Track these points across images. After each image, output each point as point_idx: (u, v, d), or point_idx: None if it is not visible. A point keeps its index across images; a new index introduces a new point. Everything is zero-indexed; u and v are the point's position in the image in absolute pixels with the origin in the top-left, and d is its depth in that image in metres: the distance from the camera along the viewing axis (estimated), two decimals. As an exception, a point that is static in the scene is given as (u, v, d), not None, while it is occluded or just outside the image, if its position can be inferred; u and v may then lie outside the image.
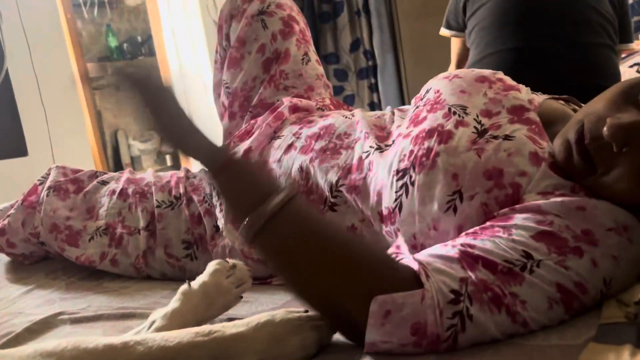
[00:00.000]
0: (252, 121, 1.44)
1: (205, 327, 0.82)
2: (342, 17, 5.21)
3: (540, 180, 0.91)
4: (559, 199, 0.87)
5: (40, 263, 1.56)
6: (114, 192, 1.47)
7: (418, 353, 0.76)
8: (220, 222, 1.25)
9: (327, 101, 1.55)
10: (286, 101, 1.42)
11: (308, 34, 1.66)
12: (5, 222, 1.51)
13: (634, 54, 4.02)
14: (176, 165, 4.27)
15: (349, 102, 5.24)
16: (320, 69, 1.64)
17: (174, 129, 0.94)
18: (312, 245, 0.83)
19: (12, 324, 0.78)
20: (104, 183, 1.52)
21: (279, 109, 1.39)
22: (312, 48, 1.64)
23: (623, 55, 2.56)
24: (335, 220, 1.11)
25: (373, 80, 5.30)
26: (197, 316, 0.98)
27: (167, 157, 4.35)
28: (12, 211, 1.51)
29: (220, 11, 1.68)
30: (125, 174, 1.54)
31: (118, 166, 4.02)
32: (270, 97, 1.52)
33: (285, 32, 1.56)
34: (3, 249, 1.54)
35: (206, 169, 0.92)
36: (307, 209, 0.88)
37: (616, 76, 2.10)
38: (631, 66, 3.91)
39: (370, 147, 1.10)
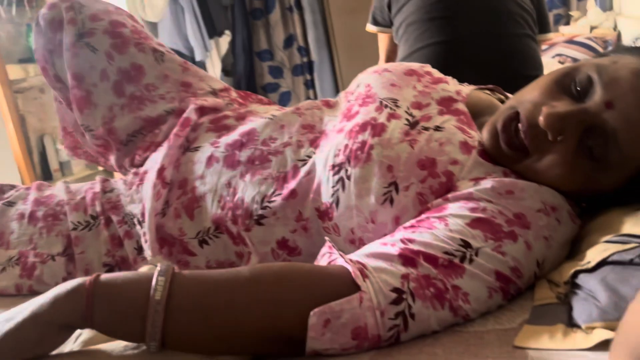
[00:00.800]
0: (156, 131, 1.29)
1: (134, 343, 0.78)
2: (274, 14, 5.18)
3: (472, 167, 0.93)
4: (489, 184, 0.88)
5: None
6: (22, 215, 1.28)
7: (359, 352, 0.75)
8: (147, 255, 1.15)
9: (234, 94, 1.40)
10: (191, 104, 1.29)
11: (140, 27, 1.41)
12: None
13: (554, 45, 4.21)
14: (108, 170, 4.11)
15: (285, 99, 5.22)
16: (177, 57, 1.39)
17: None
18: (223, 296, 0.74)
19: None
20: (11, 204, 1.32)
21: (184, 115, 1.25)
22: (154, 40, 1.40)
23: (543, 47, 2.66)
24: (264, 235, 1.04)
25: (309, 77, 5.31)
26: None
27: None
28: None
29: (34, 51, 1.39)
30: (32, 193, 1.35)
31: (46, 172, 3.82)
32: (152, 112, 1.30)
33: (118, 45, 1.30)
34: None
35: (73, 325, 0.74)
36: (191, 274, 0.76)
37: (539, 65, 2.19)
38: (553, 57, 4.09)
39: (307, 156, 1.05)
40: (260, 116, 1.20)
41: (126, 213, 1.19)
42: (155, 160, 1.20)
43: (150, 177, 1.15)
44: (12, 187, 1.39)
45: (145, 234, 1.12)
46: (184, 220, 1.11)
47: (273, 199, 1.03)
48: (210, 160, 1.13)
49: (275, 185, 1.04)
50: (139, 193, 1.18)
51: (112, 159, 1.39)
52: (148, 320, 0.70)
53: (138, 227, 1.15)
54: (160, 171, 1.15)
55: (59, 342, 0.73)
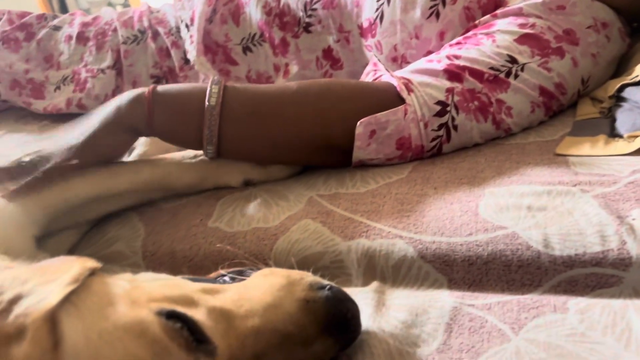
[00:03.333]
0: None
1: (191, 152, 0.83)
2: None
3: None
4: None
5: (7, 111, 1.51)
6: (70, 37, 1.37)
7: (402, 162, 0.79)
8: (191, 55, 1.21)
9: None
10: None
11: None
12: None
13: None
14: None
15: None
16: None
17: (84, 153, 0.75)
18: (272, 105, 0.77)
19: None
20: (57, 28, 1.40)
21: None
22: None
23: None
24: (311, 42, 1.08)
25: None
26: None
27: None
28: None
29: None
30: (78, 17, 1.43)
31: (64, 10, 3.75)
32: None
33: None
34: None
35: (137, 129, 0.76)
36: (241, 85, 0.79)
37: None
38: None
39: None
40: None
41: (172, 26, 1.24)
42: None
43: None
44: (55, 16, 1.45)
45: (193, 36, 1.16)
46: (230, 26, 1.14)
47: (314, 6, 1.05)
48: None
49: None
50: (191, 1, 1.21)
51: None
52: (205, 125, 0.74)
53: (185, 31, 1.20)
54: None
55: (127, 145, 0.78)
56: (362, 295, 0.58)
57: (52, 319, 0.38)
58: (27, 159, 0.73)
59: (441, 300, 0.57)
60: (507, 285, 0.58)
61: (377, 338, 0.53)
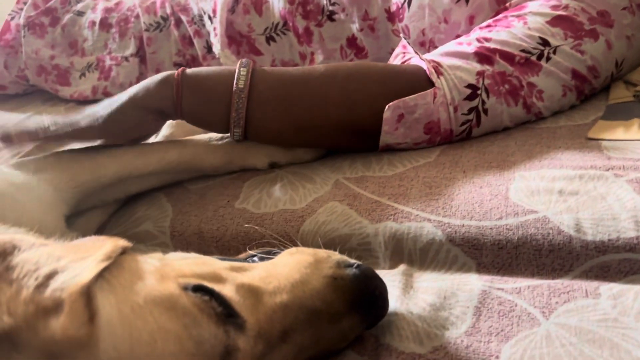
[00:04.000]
0: None
1: (218, 134, 0.83)
2: None
3: None
4: None
5: (33, 93, 1.54)
6: (94, 23, 1.38)
7: (430, 147, 0.78)
8: (216, 49, 1.21)
9: None
10: None
11: None
12: None
13: None
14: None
15: None
16: None
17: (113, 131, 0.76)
18: (299, 88, 0.76)
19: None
20: (81, 14, 1.42)
21: None
22: None
23: None
24: (335, 31, 1.06)
25: None
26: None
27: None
28: None
29: None
30: (101, 3, 1.43)
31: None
32: None
33: None
34: None
35: (165, 112, 0.76)
36: (270, 69, 0.79)
37: None
38: None
39: None
40: None
41: (195, 14, 1.23)
42: None
43: None
44: (78, 0, 1.46)
45: (216, 29, 1.16)
46: (252, 16, 1.14)
47: None
48: None
49: None
50: None
51: None
52: (232, 107, 0.74)
53: (208, 23, 1.19)
54: None
55: (154, 127, 0.78)
56: (389, 278, 0.58)
57: (88, 294, 0.39)
58: (54, 127, 0.74)
59: (470, 284, 0.56)
60: (537, 269, 0.57)
61: (405, 320, 0.52)
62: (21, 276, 0.40)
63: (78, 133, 0.73)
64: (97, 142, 0.75)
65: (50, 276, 0.40)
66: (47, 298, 0.38)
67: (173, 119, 0.79)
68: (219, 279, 0.46)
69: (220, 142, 0.81)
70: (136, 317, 0.40)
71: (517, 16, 0.82)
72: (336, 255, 0.51)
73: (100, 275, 0.41)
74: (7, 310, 0.37)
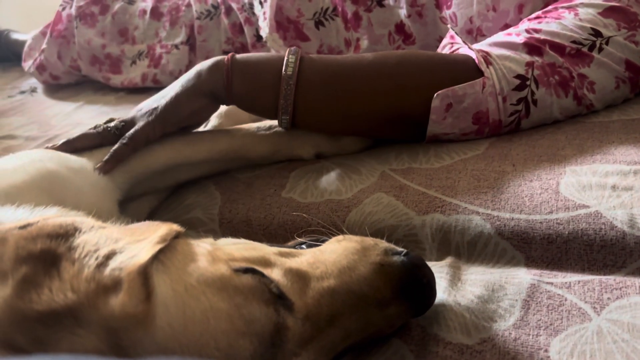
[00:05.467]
0: None
1: (266, 122, 0.84)
2: None
3: None
4: None
5: (85, 83, 1.59)
6: (144, 12, 1.42)
7: (478, 138, 0.78)
8: (264, 32, 1.23)
9: None
10: None
11: None
12: (42, 57, 1.52)
13: None
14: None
15: None
16: None
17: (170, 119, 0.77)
18: (348, 76, 0.77)
19: (75, 133, 0.81)
20: (131, 2, 1.47)
21: None
22: None
23: None
24: (384, 17, 1.07)
25: None
26: (252, 117, 1.00)
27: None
28: (44, 46, 1.51)
29: None
30: None
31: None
32: None
33: None
34: (49, 82, 1.58)
35: (217, 95, 0.77)
36: (318, 56, 0.79)
37: None
38: None
39: None
40: None
41: (245, 2, 1.26)
42: None
43: None
44: None
45: (265, 13, 1.18)
46: (302, 1, 1.15)
47: None
48: None
49: None
50: None
51: None
52: (280, 94, 0.75)
53: (258, 7, 1.22)
54: None
55: (206, 114, 0.80)
56: (437, 269, 0.58)
57: (144, 273, 0.40)
58: (111, 124, 0.77)
59: (518, 277, 0.56)
60: (587, 265, 0.56)
61: (452, 311, 0.53)
62: (82, 256, 0.42)
63: (139, 132, 0.74)
64: (154, 137, 0.76)
65: (109, 256, 0.42)
66: (106, 277, 0.40)
67: (225, 104, 0.80)
68: (268, 263, 0.47)
69: (267, 132, 0.82)
70: (189, 297, 0.41)
71: (568, 7, 0.80)
72: (383, 243, 0.51)
73: (156, 257, 0.43)
74: (70, 287, 0.39)
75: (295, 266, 0.48)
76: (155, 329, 0.39)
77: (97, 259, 0.42)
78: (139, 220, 0.76)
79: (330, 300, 0.46)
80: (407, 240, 0.64)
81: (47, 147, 0.75)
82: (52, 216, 0.47)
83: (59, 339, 0.38)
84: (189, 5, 1.39)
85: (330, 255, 0.50)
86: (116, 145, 0.73)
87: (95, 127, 0.78)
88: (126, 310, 0.38)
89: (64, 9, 1.51)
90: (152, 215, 0.80)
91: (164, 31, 1.38)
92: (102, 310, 0.38)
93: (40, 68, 1.54)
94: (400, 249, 0.51)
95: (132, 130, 0.74)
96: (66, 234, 0.44)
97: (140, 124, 0.75)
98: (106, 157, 0.72)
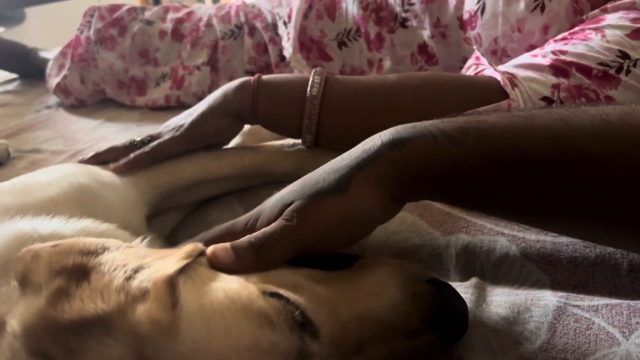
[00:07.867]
0: None
1: (290, 140, 0.85)
2: None
3: None
4: None
5: (107, 100, 1.61)
6: (165, 33, 1.43)
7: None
8: (287, 52, 1.24)
9: None
10: None
11: None
12: (66, 83, 1.54)
13: None
14: None
15: None
16: None
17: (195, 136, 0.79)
18: (371, 97, 0.77)
19: (99, 147, 0.84)
20: (150, 23, 1.48)
21: None
22: None
23: None
24: (407, 38, 1.08)
25: None
26: (274, 135, 1.01)
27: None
28: (66, 72, 1.54)
29: None
30: (170, 13, 1.49)
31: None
32: None
33: None
34: (75, 105, 1.60)
35: (242, 115, 0.79)
36: (342, 77, 0.80)
37: None
38: None
39: None
40: None
41: (269, 22, 1.27)
42: None
43: None
44: (144, 8, 1.52)
45: (289, 33, 1.20)
46: (325, 22, 1.17)
47: (412, 1, 1.05)
48: None
49: None
50: None
51: None
52: (305, 114, 0.76)
53: (282, 28, 1.24)
54: None
55: (231, 133, 0.81)
56: (461, 290, 0.57)
57: (171, 283, 0.41)
58: (138, 138, 0.78)
59: (544, 299, 0.55)
60: (615, 289, 0.56)
61: (478, 332, 0.52)
62: (112, 269, 0.43)
63: (162, 144, 0.76)
64: (177, 152, 0.78)
65: (137, 270, 0.43)
66: (135, 287, 0.41)
67: (249, 123, 0.81)
68: (298, 287, 0.47)
69: (291, 149, 0.83)
70: (214, 312, 0.42)
71: (595, 29, 0.80)
72: (415, 268, 0.51)
73: (182, 271, 0.44)
74: (100, 296, 0.40)
75: (322, 290, 0.47)
76: (179, 339, 0.40)
77: (125, 272, 0.43)
78: (162, 235, 0.78)
79: (358, 327, 0.46)
80: (432, 261, 0.64)
81: (78, 161, 0.77)
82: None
83: (87, 349, 0.38)
84: (208, 26, 1.40)
85: (359, 281, 0.50)
86: (137, 152, 0.75)
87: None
88: (152, 317, 0.39)
89: (82, 32, 1.53)
90: (175, 231, 0.81)
91: (185, 52, 1.40)
92: (129, 319, 0.39)
93: (66, 93, 1.57)
94: (433, 277, 0.50)
95: (156, 142, 0.76)
96: (95, 252, 0.45)
97: (165, 137, 0.77)
98: (124, 159, 0.74)
